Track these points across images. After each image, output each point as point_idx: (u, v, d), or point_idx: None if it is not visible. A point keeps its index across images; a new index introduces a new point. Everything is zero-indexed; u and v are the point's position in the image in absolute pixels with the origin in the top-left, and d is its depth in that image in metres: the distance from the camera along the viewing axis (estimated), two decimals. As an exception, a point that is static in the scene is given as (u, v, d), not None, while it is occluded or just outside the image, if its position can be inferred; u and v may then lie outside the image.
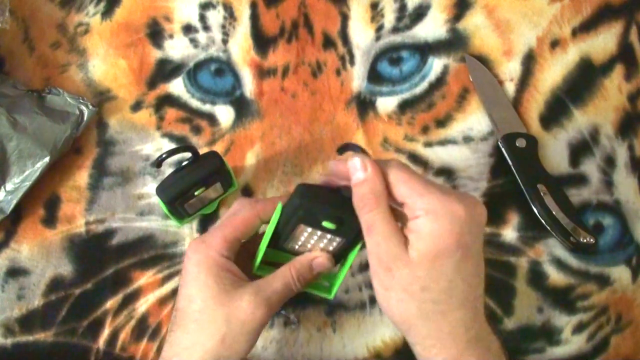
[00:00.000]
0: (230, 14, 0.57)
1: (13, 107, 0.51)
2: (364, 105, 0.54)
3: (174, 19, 0.57)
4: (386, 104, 0.54)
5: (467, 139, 0.53)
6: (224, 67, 0.56)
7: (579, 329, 0.48)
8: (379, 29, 0.56)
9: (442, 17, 0.57)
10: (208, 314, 0.37)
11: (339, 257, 0.40)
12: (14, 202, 0.49)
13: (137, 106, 0.55)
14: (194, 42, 0.56)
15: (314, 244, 0.39)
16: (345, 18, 0.57)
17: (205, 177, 0.46)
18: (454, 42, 0.56)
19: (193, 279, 0.38)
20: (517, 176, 0.51)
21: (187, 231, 0.51)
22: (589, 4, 0.57)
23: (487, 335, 0.36)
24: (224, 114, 0.54)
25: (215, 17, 0.57)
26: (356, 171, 0.36)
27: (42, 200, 0.52)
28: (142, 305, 0.49)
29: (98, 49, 0.57)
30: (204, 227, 0.51)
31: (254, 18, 0.57)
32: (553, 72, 0.55)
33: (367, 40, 0.56)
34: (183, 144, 0.53)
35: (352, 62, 0.55)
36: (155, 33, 0.57)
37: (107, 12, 0.58)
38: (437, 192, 0.34)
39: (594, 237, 0.48)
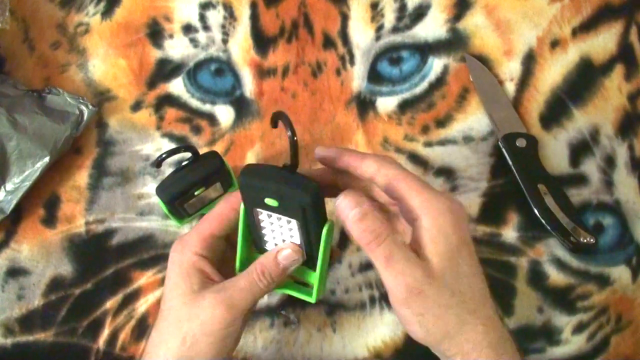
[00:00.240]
0: (230, 14, 0.57)
1: (13, 107, 0.51)
2: (364, 105, 0.54)
3: (174, 19, 0.57)
4: (386, 103, 0.54)
5: (467, 139, 0.53)
6: (224, 67, 0.56)
7: (579, 329, 0.48)
8: (379, 28, 0.56)
9: (442, 17, 0.57)
10: (173, 314, 0.37)
11: (312, 256, 0.38)
12: (14, 202, 0.49)
13: (137, 106, 0.55)
14: (194, 42, 0.56)
15: (282, 238, 0.38)
16: (345, 18, 0.57)
17: (205, 177, 0.46)
18: (454, 42, 0.56)
19: (168, 277, 0.38)
20: (517, 176, 0.51)
21: (187, 231, 0.51)
22: (589, 4, 0.57)
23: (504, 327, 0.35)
24: (224, 113, 0.54)
25: (215, 17, 0.57)
26: (350, 211, 0.34)
27: (42, 200, 0.52)
28: (142, 305, 0.49)
29: (98, 49, 0.57)
30: (204, 227, 0.51)
31: (254, 18, 0.57)
32: (553, 72, 0.55)
33: (367, 40, 0.56)
34: (183, 144, 0.53)
35: (352, 62, 0.55)
36: (155, 33, 0.57)
37: (107, 12, 0.58)
38: (431, 190, 0.34)
39: (594, 237, 0.48)
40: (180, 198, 0.46)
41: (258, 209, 0.36)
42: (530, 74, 0.55)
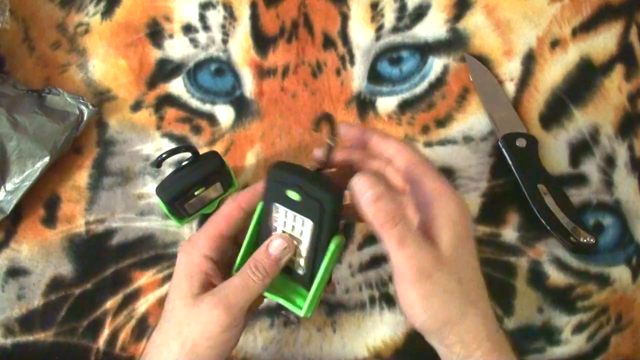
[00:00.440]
0: (230, 14, 0.57)
1: (13, 107, 0.51)
2: (364, 105, 0.54)
3: (174, 19, 0.57)
4: (386, 103, 0.54)
5: (467, 139, 0.53)
6: (224, 67, 0.56)
7: (579, 329, 0.48)
8: (379, 28, 0.56)
9: (442, 17, 0.57)
10: (175, 316, 0.37)
11: (312, 269, 0.38)
12: (14, 202, 0.49)
13: (137, 106, 0.55)
14: (194, 42, 0.56)
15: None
16: (345, 18, 0.57)
17: (205, 177, 0.46)
18: (454, 42, 0.56)
19: (173, 278, 0.38)
20: (517, 176, 0.51)
21: (187, 231, 0.51)
22: (589, 4, 0.57)
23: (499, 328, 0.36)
24: (224, 113, 0.54)
25: (215, 17, 0.57)
26: (366, 191, 0.33)
27: (42, 200, 0.52)
28: (142, 305, 0.49)
29: (98, 49, 0.57)
30: (204, 227, 0.51)
31: (254, 18, 0.57)
32: (553, 72, 0.55)
33: (367, 40, 0.56)
34: (183, 144, 0.53)
35: (352, 62, 0.55)
36: (155, 33, 0.57)
37: (107, 12, 0.58)
38: (446, 180, 0.35)
39: (594, 237, 0.48)
40: (180, 198, 0.46)
41: (276, 205, 0.36)
42: (530, 74, 0.55)
